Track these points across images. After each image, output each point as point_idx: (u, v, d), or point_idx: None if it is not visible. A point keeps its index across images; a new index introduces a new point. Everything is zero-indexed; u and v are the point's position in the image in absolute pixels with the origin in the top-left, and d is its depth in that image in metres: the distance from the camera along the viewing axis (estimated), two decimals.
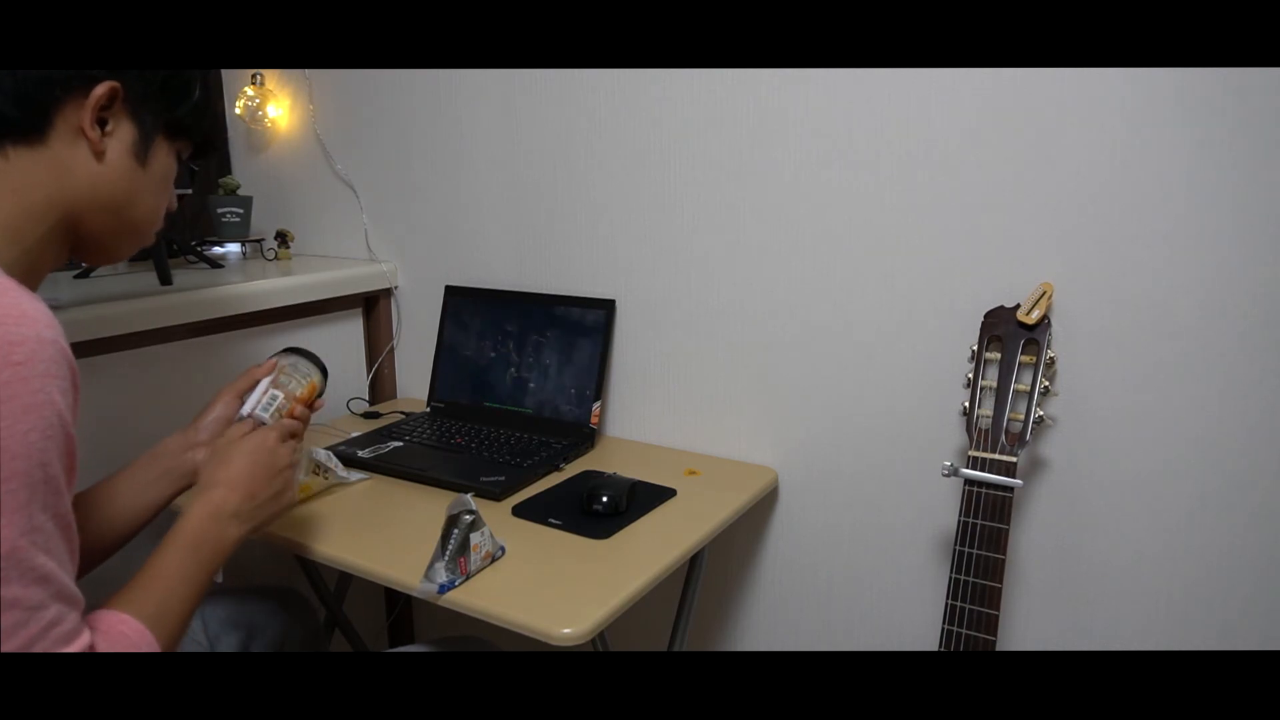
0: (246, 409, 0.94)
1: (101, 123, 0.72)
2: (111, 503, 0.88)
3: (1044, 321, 1.01)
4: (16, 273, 0.68)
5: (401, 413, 1.48)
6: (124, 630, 0.67)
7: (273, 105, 1.64)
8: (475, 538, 0.91)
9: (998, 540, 0.97)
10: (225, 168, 1.75)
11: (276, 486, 0.87)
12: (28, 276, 0.71)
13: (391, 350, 1.63)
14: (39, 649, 0.57)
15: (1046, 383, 0.99)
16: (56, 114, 0.69)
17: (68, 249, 0.76)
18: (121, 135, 0.74)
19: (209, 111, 0.82)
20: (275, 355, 1.00)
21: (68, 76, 0.69)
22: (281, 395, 0.96)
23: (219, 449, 0.87)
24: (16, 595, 0.56)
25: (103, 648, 0.64)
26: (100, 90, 0.70)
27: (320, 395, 1.01)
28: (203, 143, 0.83)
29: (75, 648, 0.60)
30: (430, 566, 0.89)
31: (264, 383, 0.96)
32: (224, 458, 0.85)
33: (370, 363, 1.61)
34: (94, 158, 0.72)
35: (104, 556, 0.88)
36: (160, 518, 0.91)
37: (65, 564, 0.61)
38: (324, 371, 1.02)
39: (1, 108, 0.67)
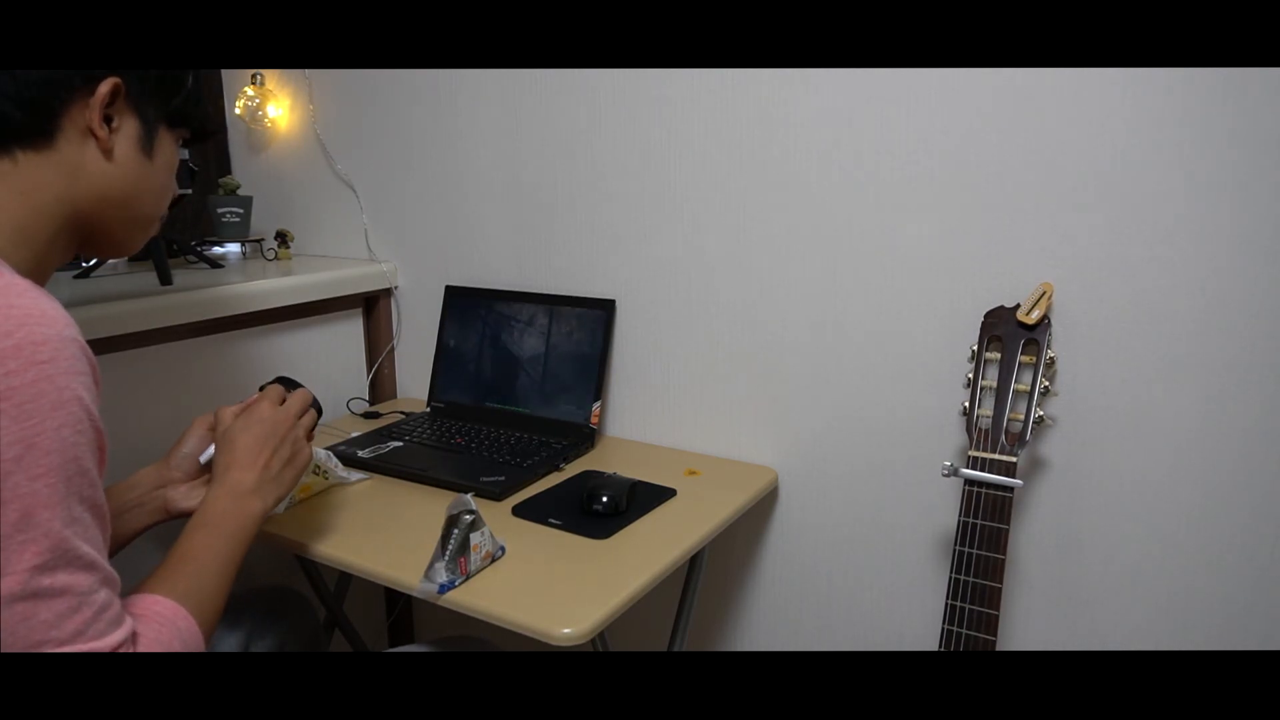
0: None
1: (107, 120, 0.72)
2: None
3: (1044, 321, 1.01)
4: (25, 273, 0.69)
5: (401, 413, 1.48)
6: (159, 610, 0.69)
7: (273, 105, 1.64)
8: (475, 538, 0.91)
9: (998, 540, 0.97)
10: (225, 168, 1.75)
11: (286, 452, 0.89)
12: (36, 276, 0.71)
13: (391, 350, 1.63)
14: (92, 632, 0.59)
15: (1046, 383, 0.99)
16: (63, 116, 0.70)
17: (75, 246, 0.76)
18: (127, 131, 0.74)
19: (203, 96, 0.82)
20: (268, 384, 0.95)
21: (69, 77, 0.69)
22: None
23: (219, 441, 0.88)
24: (68, 583, 0.58)
25: (142, 629, 0.65)
26: (104, 88, 0.70)
27: (313, 429, 0.96)
28: (200, 128, 0.83)
29: (124, 630, 0.62)
30: (430, 566, 0.89)
31: None
32: (226, 441, 0.87)
33: (370, 363, 1.61)
34: (103, 156, 0.73)
35: None
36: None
37: (103, 551, 0.63)
38: (317, 408, 0.97)
39: (6, 111, 0.67)
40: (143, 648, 0.64)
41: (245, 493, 0.83)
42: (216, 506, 0.81)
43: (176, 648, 0.68)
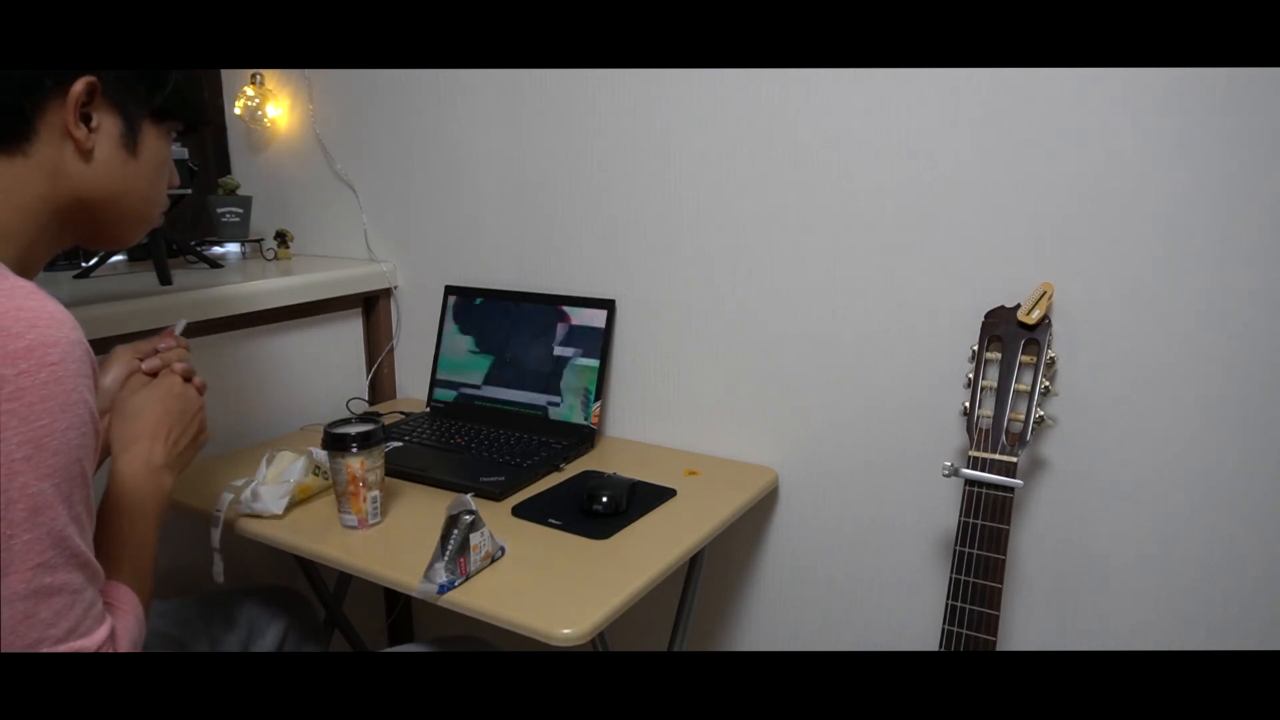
0: None
1: (86, 119, 0.70)
2: None
3: (1044, 321, 1.01)
4: (12, 270, 0.68)
5: (401, 413, 1.48)
6: (122, 598, 0.73)
7: (273, 105, 1.64)
8: (475, 538, 0.91)
9: (998, 540, 0.97)
10: (225, 168, 1.75)
11: (193, 430, 0.89)
12: (23, 273, 0.71)
13: (391, 350, 1.63)
14: (83, 629, 0.62)
15: (1047, 383, 0.99)
16: (37, 118, 0.68)
17: (65, 241, 0.75)
18: (108, 129, 0.72)
19: (193, 87, 0.80)
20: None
21: (39, 77, 0.67)
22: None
23: (125, 403, 0.86)
24: (66, 581, 0.60)
25: (116, 621, 0.67)
26: (78, 87, 0.68)
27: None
28: (192, 120, 0.81)
29: (107, 625, 0.64)
30: (430, 566, 0.89)
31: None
32: (135, 410, 0.85)
33: (370, 363, 1.61)
34: (81, 157, 0.71)
35: None
36: None
37: (93, 548, 0.65)
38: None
39: None
40: (119, 638, 0.67)
41: (158, 468, 0.83)
42: (134, 484, 0.81)
43: (136, 632, 0.71)
